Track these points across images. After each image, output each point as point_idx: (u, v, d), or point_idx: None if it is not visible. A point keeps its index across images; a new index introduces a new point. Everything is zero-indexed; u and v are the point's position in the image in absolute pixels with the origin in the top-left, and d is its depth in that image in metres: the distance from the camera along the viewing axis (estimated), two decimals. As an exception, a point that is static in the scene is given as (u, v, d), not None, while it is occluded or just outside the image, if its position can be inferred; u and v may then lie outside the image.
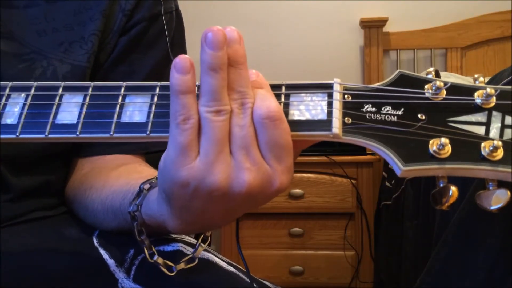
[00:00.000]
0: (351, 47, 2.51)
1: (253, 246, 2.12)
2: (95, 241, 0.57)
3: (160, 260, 0.48)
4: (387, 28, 2.41)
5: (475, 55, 2.40)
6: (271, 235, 2.11)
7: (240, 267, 0.58)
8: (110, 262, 0.53)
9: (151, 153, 0.69)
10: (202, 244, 0.50)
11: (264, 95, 0.39)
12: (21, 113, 0.44)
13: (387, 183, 1.98)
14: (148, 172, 0.59)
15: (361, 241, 2.08)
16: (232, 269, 0.56)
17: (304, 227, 2.10)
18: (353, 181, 2.06)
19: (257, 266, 2.06)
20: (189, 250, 0.56)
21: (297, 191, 2.07)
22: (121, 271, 0.52)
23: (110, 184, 0.58)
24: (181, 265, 0.49)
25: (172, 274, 0.48)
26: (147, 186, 0.48)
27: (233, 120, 0.38)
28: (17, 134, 0.43)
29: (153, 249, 0.48)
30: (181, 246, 0.55)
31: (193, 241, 0.61)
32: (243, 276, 0.56)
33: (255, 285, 0.55)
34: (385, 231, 1.96)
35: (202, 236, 0.50)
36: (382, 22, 2.38)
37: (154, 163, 0.68)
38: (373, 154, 2.14)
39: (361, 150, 2.13)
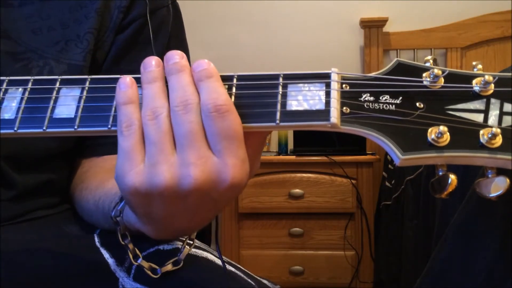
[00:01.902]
0: (351, 47, 2.51)
1: (253, 246, 2.12)
2: (96, 239, 0.57)
3: (144, 264, 0.48)
4: (387, 28, 2.41)
5: (475, 55, 2.40)
6: (271, 235, 2.11)
7: (240, 266, 0.58)
8: (111, 261, 0.53)
9: None
10: (188, 247, 0.50)
11: (211, 87, 0.39)
12: (18, 108, 0.43)
13: (387, 183, 1.98)
14: None
15: (361, 241, 2.08)
16: (231, 268, 0.56)
17: (304, 227, 2.10)
18: (353, 181, 2.06)
19: (257, 266, 2.06)
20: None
21: (297, 191, 2.07)
22: (121, 270, 0.52)
23: (102, 185, 0.57)
24: (167, 267, 0.49)
25: (156, 276, 0.48)
26: None
27: (174, 118, 0.38)
28: (15, 129, 0.43)
29: (138, 252, 0.48)
30: (180, 245, 0.55)
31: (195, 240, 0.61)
32: (242, 275, 0.56)
33: (253, 283, 0.55)
34: (385, 231, 1.96)
35: (187, 238, 0.50)
36: (382, 22, 2.38)
37: None
38: (373, 154, 2.14)
39: (361, 150, 2.13)
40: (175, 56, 0.41)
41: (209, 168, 0.37)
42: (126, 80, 0.41)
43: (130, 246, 0.48)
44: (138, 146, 0.39)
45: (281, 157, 2.18)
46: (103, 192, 0.56)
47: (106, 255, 0.54)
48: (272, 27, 2.54)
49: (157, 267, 0.49)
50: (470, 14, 2.38)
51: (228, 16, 2.55)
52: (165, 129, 0.38)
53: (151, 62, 0.42)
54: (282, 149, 2.28)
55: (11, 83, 0.45)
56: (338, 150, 2.11)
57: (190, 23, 0.75)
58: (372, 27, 2.39)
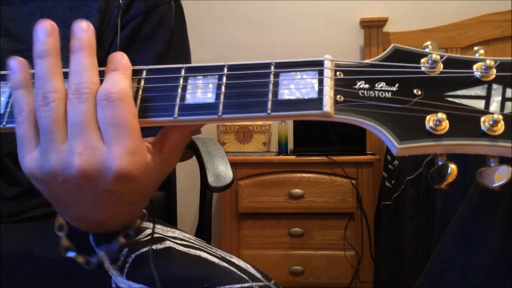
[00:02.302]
0: (351, 47, 2.50)
1: (253, 246, 2.11)
2: (91, 238, 0.57)
3: (78, 258, 0.48)
4: (387, 28, 2.40)
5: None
6: (271, 235, 2.11)
7: (234, 261, 0.59)
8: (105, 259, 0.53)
9: None
10: (122, 239, 0.49)
11: (111, 77, 0.38)
12: (7, 102, 0.43)
13: (387, 183, 1.97)
14: None
15: (361, 241, 2.07)
16: (224, 263, 0.56)
17: (304, 227, 2.10)
18: (353, 181, 2.06)
19: (257, 266, 2.05)
20: (180, 247, 0.57)
21: (297, 191, 2.06)
22: (115, 268, 0.53)
23: None
24: (104, 260, 0.49)
25: (91, 268, 0.48)
26: None
27: (69, 105, 0.38)
28: (4, 124, 0.42)
29: (69, 245, 0.48)
30: (173, 243, 0.57)
31: (186, 235, 0.61)
32: (235, 270, 0.56)
33: (246, 277, 0.55)
34: (385, 231, 1.95)
35: (121, 233, 0.50)
36: (382, 22, 2.38)
37: None
38: (373, 154, 2.13)
39: (361, 150, 2.12)
40: (80, 29, 0.40)
41: (94, 158, 0.37)
42: (16, 63, 0.40)
43: (63, 239, 0.47)
44: (31, 133, 0.39)
45: (281, 157, 2.17)
46: None
47: (100, 253, 0.53)
48: (272, 27, 2.53)
49: (89, 258, 0.49)
50: (470, 14, 2.37)
51: (228, 16, 2.54)
52: (57, 117, 0.38)
53: (45, 29, 0.39)
54: (282, 149, 2.27)
55: (0, 77, 0.45)
56: (338, 150, 2.10)
57: (190, 23, 0.75)
58: (372, 27, 2.39)
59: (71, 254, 0.47)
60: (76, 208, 0.43)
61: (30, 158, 0.39)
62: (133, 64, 0.66)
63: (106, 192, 0.39)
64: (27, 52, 0.61)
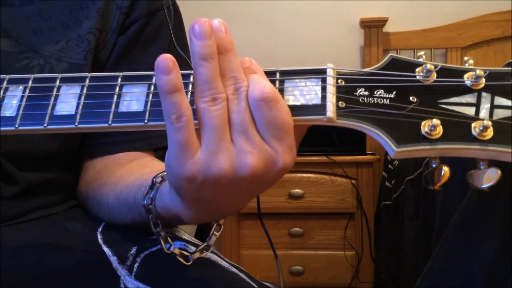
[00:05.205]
0: (351, 47, 2.51)
1: (253, 246, 2.11)
2: (99, 237, 0.57)
3: (176, 251, 0.48)
4: (387, 28, 2.41)
5: (475, 55, 2.40)
6: (271, 235, 2.08)
7: (242, 267, 0.58)
8: (113, 258, 0.53)
9: (161, 149, 0.69)
10: (216, 233, 0.50)
11: (257, 78, 0.39)
12: (19, 105, 0.44)
13: (387, 183, 1.98)
14: (160, 165, 0.59)
15: (361, 241, 2.07)
16: (233, 269, 0.56)
17: (304, 227, 2.10)
18: (353, 181, 2.06)
19: (257, 266, 2.06)
20: (191, 249, 0.56)
21: (297, 191, 2.07)
22: (123, 268, 0.52)
23: (123, 179, 0.58)
24: (197, 254, 0.50)
25: (188, 263, 0.49)
26: (159, 179, 0.49)
27: (230, 106, 0.39)
28: (16, 126, 0.43)
29: (170, 241, 0.48)
30: (184, 245, 0.56)
31: (195, 240, 0.61)
32: (244, 277, 0.56)
33: (255, 285, 0.55)
34: (385, 231, 1.96)
35: (215, 224, 0.50)
36: (382, 22, 2.38)
37: (163, 159, 0.68)
38: (373, 154, 2.14)
39: (361, 150, 2.13)
40: (223, 27, 0.40)
41: (264, 156, 0.38)
42: (168, 63, 0.38)
43: (163, 233, 0.48)
44: (193, 137, 0.38)
45: (281, 157, 2.17)
46: (125, 186, 0.56)
47: (108, 252, 0.54)
48: (272, 27, 2.54)
49: (188, 254, 0.49)
50: (470, 14, 2.38)
51: (228, 16, 2.55)
52: (226, 116, 0.38)
53: (205, 31, 0.39)
54: (282, 149, 2.28)
55: (12, 81, 0.45)
56: (338, 150, 2.10)
57: (189, 24, 0.75)
58: (372, 27, 2.39)
59: (171, 249, 0.48)
60: (217, 203, 0.43)
61: (193, 162, 0.38)
62: (133, 67, 0.67)
63: (261, 185, 0.40)
64: (26, 53, 0.62)
